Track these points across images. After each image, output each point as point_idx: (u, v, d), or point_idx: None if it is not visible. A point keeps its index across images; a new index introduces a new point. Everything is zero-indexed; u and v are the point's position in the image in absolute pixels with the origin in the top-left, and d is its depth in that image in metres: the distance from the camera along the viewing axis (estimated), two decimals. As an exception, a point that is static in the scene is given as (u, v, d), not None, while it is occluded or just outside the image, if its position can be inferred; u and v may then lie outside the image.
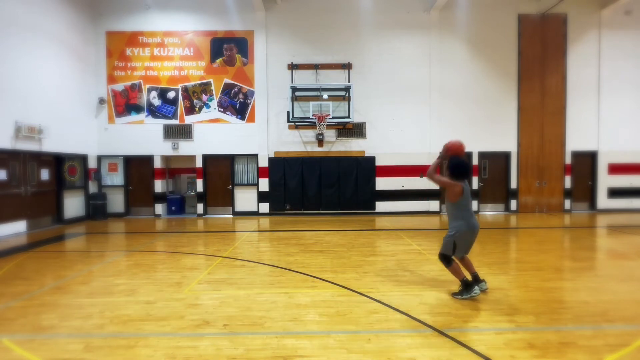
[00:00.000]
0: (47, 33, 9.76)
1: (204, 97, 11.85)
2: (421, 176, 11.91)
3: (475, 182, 12.05)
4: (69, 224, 10.40)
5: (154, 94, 11.82)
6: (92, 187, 11.66)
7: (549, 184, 12.16)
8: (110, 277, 5.18)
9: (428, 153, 11.84)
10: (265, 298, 4.26)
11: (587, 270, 5.43)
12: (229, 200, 12.09)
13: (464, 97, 11.93)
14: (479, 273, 4.39)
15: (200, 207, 11.95)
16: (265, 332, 3.37)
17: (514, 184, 12.16)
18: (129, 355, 3.00)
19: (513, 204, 12.19)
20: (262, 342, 3.18)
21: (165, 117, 11.86)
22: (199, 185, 11.95)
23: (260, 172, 11.89)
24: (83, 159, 11.33)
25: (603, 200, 12.21)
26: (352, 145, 11.96)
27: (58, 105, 10.18)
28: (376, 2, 11.81)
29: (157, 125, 11.85)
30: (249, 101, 11.86)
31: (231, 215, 11.95)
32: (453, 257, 4.24)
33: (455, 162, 4.23)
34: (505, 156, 12.20)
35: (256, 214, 11.94)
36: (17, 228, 8.95)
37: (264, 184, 11.88)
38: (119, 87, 11.80)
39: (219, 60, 11.83)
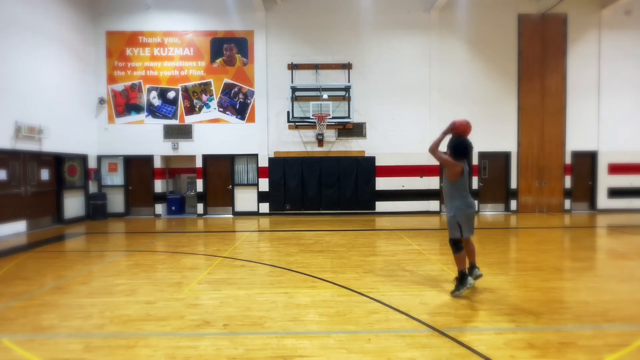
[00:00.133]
0: (47, 33, 9.76)
1: (204, 97, 11.85)
2: (421, 176, 11.92)
3: (475, 182, 12.05)
4: (69, 224, 10.40)
5: (154, 94, 11.82)
6: (92, 187, 11.67)
7: (549, 184, 12.16)
8: (110, 277, 5.18)
9: (428, 153, 11.76)
10: (265, 298, 4.26)
11: (587, 270, 5.43)
12: (229, 200, 12.09)
13: (464, 97, 11.93)
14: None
15: (200, 207, 11.95)
16: (265, 332, 3.37)
17: (514, 184, 12.17)
18: (129, 355, 3.00)
19: (513, 204, 12.19)
20: (262, 342, 3.18)
21: (165, 117, 11.86)
22: (199, 185, 11.95)
23: (260, 172, 11.89)
24: (83, 159, 11.33)
25: (603, 200, 12.21)
26: (352, 145, 11.96)
27: (58, 105, 10.18)
28: (376, 2, 11.81)
29: (157, 125, 11.85)
30: (249, 101, 11.86)
31: (231, 215, 11.95)
32: (462, 244, 4.26)
33: (456, 141, 4.30)
34: (505, 156, 12.20)
35: (256, 214, 11.94)
36: (17, 228, 8.95)
37: (264, 184, 11.88)
38: (119, 87, 11.80)
39: (219, 60, 11.83)
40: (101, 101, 11.69)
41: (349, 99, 11.32)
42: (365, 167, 11.84)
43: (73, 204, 10.90)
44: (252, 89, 11.84)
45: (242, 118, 11.89)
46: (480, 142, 11.91)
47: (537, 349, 3.01)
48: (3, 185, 8.57)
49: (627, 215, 11.33)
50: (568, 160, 12.12)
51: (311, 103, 11.11)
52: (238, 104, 11.87)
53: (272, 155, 11.89)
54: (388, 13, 11.84)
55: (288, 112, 11.28)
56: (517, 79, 12.02)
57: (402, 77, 11.88)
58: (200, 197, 11.96)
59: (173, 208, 12.11)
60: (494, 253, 6.47)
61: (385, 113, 11.90)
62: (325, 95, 11.44)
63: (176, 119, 11.86)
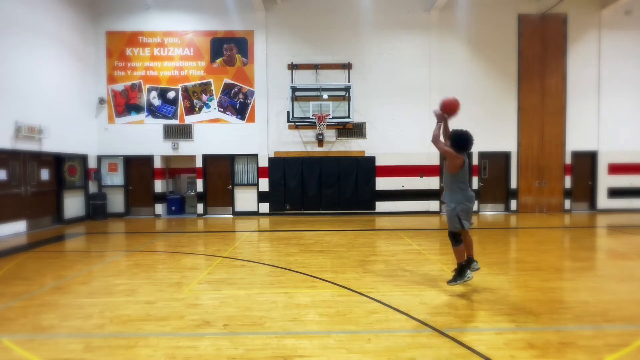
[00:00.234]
0: (47, 33, 9.76)
1: (204, 97, 11.85)
2: (421, 176, 11.92)
3: (475, 182, 12.05)
4: (69, 224, 10.40)
5: (154, 94, 11.82)
6: (92, 187, 11.66)
7: (549, 184, 12.16)
8: (110, 277, 5.18)
9: (428, 153, 11.83)
10: (265, 298, 4.26)
11: (587, 270, 5.43)
12: (229, 200, 12.09)
13: (463, 97, 11.73)
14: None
15: (200, 207, 11.95)
16: (265, 332, 3.37)
17: (514, 184, 12.17)
18: (129, 355, 3.00)
19: (513, 204, 12.19)
20: (262, 342, 3.18)
21: (165, 117, 11.86)
22: (199, 185, 11.95)
23: (260, 172, 11.89)
24: (83, 159, 11.33)
25: (603, 200, 12.21)
26: (352, 145, 11.96)
27: (58, 105, 10.18)
28: (376, 2, 11.81)
29: (157, 125, 11.85)
30: (249, 101, 11.86)
31: (231, 215, 11.95)
32: (462, 237, 4.31)
33: (457, 133, 4.34)
34: (505, 156, 12.20)
35: (256, 214, 11.94)
36: (17, 228, 8.95)
37: (264, 184, 11.88)
38: (119, 87, 11.80)
39: (219, 60, 11.83)
40: (101, 101, 11.69)
41: (349, 99, 11.32)
42: (365, 167, 11.84)
43: (73, 204, 10.90)
44: (252, 89, 11.84)
45: (242, 118, 11.89)
46: (480, 142, 11.87)
47: (537, 349, 3.01)
48: (3, 185, 8.57)
49: (627, 215, 11.33)
50: (568, 160, 12.12)
51: (311, 103, 11.11)
52: (238, 104, 11.87)
53: (272, 155, 11.88)
54: (388, 13, 11.84)
55: (288, 112, 11.28)
56: (517, 79, 12.02)
57: (402, 77, 11.87)
58: (200, 197, 11.96)
59: (173, 208, 12.11)
60: (494, 253, 6.48)
61: (385, 113, 11.90)
62: (325, 95, 11.44)
63: (176, 119, 11.86)
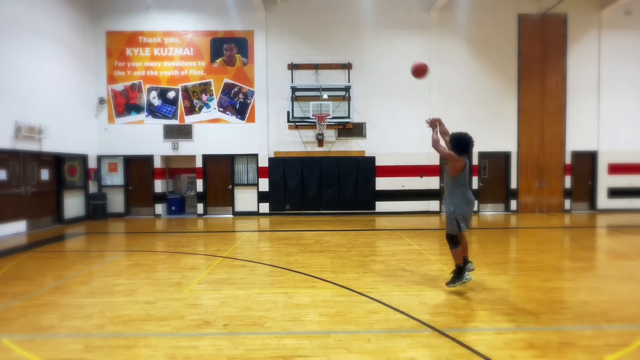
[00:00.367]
0: (47, 33, 9.76)
1: (204, 97, 11.85)
2: (421, 176, 11.92)
3: (475, 182, 12.05)
4: (69, 224, 10.40)
5: (154, 94, 11.82)
6: (92, 187, 11.66)
7: (549, 184, 12.16)
8: (110, 277, 5.18)
9: (428, 153, 11.82)
10: (265, 298, 4.26)
11: (587, 270, 5.43)
12: (229, 200, 12.09)
13: (464, 97, 11.93)
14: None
15: (200, 207, 11.95)
16: (265, 332, 3.37)
17: (514, 184, 12.17)
18: (129, 355, 3.00)
19: (513, 204, 12.19)
20: (262, 342, 3.18)
21: (165, 117, 11.86)
22: (199, 185, 11.95)
23: (260, 172, 11.89)
24: (83, 159, 11.33)
25: (603, 200, 12.21)
26: (352, 145, 11.96)
27: (58, 105, 10.18)
28: (376, 2, 11.81)
29: (157, 125, 11.85)
30: (249, 101, 11.86)
31: (231, 215, 11.95)
32: (459, 241, 4.33)
33: (457, 136, 4.38)
34: (505, 156, 12.20)
35: (256, 214, 11.94)
36: (17, 228, 8.95)
37: (264, 184, 11.88)
38: (119, 87, 11.80)
39: (219, 60, 11.83)
40: (101, 101, 11.69)
41: (349, 99, 11.32)
42: (365, 167, 11.84)
43: (73, 204, 10.90)
44: (252, 89, 11.84)
45: (242, 118, 11.90)
46: (480, 142, 11.88)
47: (537, 349, 3.01)
48: (3, 185, 8.57)
49: (627, 215, 11.33)
50: (568, 160, 12.12)
51: (311, 103, 11.11)
52: (238, 104, 11.87)
53: (272, 155, 11.88)
54: (388, 13, 11.84)
55: (288, 112, 11.28)
56: (517, 79, 12.02)
57: (402, 77, 11.81)
58: (200, 197, 11.96)
59: (173, 208, 12.11)
60: (494, 253, 6.48)
61: (385, 113, 11.90)
62: (325, 95, 11.44)
63: (176, 119, 11.86)
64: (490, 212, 12.29)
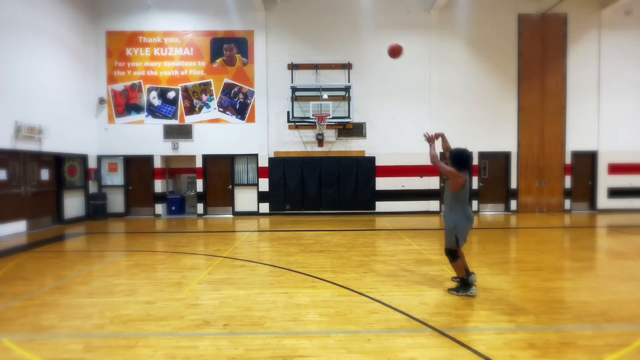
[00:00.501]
0: (47, 33, 9.76)
1: (204, 97, 11.85)
2: (421, 176, 11.92)
3: (475, 182, 12.05)
4: (69, 224, 10.40)
5: (154, 94, 11.82)
6: (92, 187, 11.67)
7: (549, 184, 12.16)
8: (110, 277, 5.18)
9: (428, 153, 11.80)
10: (265, 298, 4.26)
11: (587, 270, 5.43)
12: (229, 200, 12.09)
13: (464, 97, 11.93)
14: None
15: (200, 207, 11.95)
16: (265, 332, 3.37)
17: (514, 184, 12.16)
18: (129, 355, 3.00)
19: (513, 204, 12.19)
20: (262, 342, 3.18)
21: (165, 117, 11.86)
22: (199, 185, 11.95)
23: (260, 172, 11.89)
24: (83, 159, 11.33)
25: (603, 200, 12.21)
26: (352, 145, 11.96)
27: (58, 105, 10.18)
28: (376, 2, 11.81)
29: (157, 125, 11.85)
30: (249, 101, 11.86)
31: (231, 215, 11.95)
32: (458, 254, 4.30)
33: (457, 152, 4.35)
34: (505, 156, 12.20)
35: (256, 214, 11.94)
36: (17, 228, 8.95)
37: (264, 184, 11.88)
38: (119, 87, 11.80)
39: (219, 60, 11.83)
40: (101, 101, 11.70)
41: (349, 99, 11.32)
42: (365, 167, 11.84)
43: (73, 204, 10.90)
44: (252, 89, 11.84)
45: (242, 118, 11.90)
46: (480, 142, 11.94)
47: (537, 349, 3.01)
48: (3, 185, 8.57)
49: (627, 215, 11.33)
50: (568, 160, 12.12)
51: (311, 103, 11.11)
52: (238, 104, 11.87)
53: (272, 155, 11.89)
54: (388, 13, 11.84)
55: (288, 112, 11.28)
56: (517, 79, 12.02)
57: (402, 77, 11.87)
58: (200, 197, 11.96)
59: (173, 208, 12.12)
60: (494, 253, 6.48)
61: (385, 113, 11.91)
62: (325, 95, 11.44)
63: (176, 119, 11.86)
64: (490, 212, 12.30)
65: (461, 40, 11.93)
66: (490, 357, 2.88)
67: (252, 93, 11.84)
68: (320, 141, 11.79)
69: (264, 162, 11.85)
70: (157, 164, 11.88)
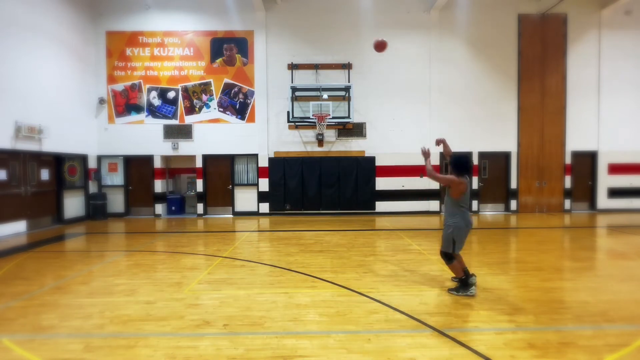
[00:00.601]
0: (47, 33, 9.76)
1: (204, 97, 11.85)
2: (421, 176, 11.92)
3: (475, 182, 12.05)
4: (69, 224, 10.40)
5: (154, 94, 11.82)
6: (92, 187, 11.66)
7: (549, 184, 12.16)
8: (110, 277, 5.18)
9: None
10: (265, 298, 4.26)
11: (587, 270, 5.43)
12: (229, 200, 12.09)
13: (464, 97, 11.93)
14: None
15: (200, 207, 11.95)
16: (265, 332, 3.37)
17: (514, 184, 12.17)
18: (129, 355, 3.00)
19: (513, 204, 12.19)
20: (262, 342, 3.18)
21: (165, 117, 11.86)
22: (199, 185, 11.95)
23: (260, 172, 11.89)
24: (83, 159, 11.33)
25: (603, 200, 12.21)
26: (352, 145, 11.97)
27: (58, 105, 10.18)
28: (376, 2, 11.81)
29: (157, 125, 11.85)
30: (249, 101, 11.86)
31: (231, 215, 11.95)
32: (454, 255, 4.31)
33: (457, 157, 4.37)
34: (505, 156, 12.20)
35: (256, 214, 11.94)
36: (17, 228, 8.95)
37: (264, 184, 11.88)
38: (119, 87, 11.80)
39: (219, 60, 11.83)
40: (101, 101, 11.70)
41: (349, 99, 11.32)
42: (365, 167, 11.84)
43: (73, 204, 10.90)
44: (252, 89, 11.84)
45: (242, 118, 11.90)
46: (480, 142, 11.94)
47: (537, 349, 3.01)
48: (3, 185, 8.57)
49: (627, 215, 11.33)
50: (568, 160, 12.12)
51: (311, 103, 11.11)
52: (238, 104, 11.87)
53: (272, 155, 11.89)
54: (388, 13, 11.84)
55: (288, 112, 11.28)
56: (517, 79, 12.02)
57: (402, 77, 11.88)
58: (200, 197, 11.96)
59: (173, 208, 12.12)
60: (494, 253, 6.48)
61: (385, 113, 11.91)
62: (325, 95, 11.44)
63: (176, 119, 11.86)
64: (490, 212, 12.30)
65: (461, 40, 11.93)
66: (490, 357, 2.88)
67: (252, 93, 11.84)
68: (320, 141, 11.79)
69: (264, 162, 11.85)
70: (157, 164, 11.88)
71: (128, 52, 11.76)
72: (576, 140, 12.10)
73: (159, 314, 3.82)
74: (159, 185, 11.94)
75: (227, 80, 11.84)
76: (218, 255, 6.45)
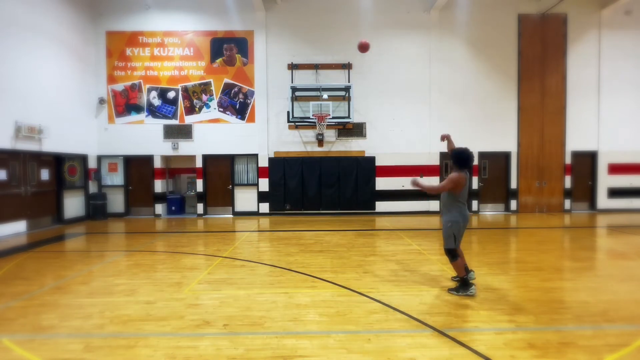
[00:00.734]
0: (47, 33, 9.76)
1: (204, 97, 11.85)
2: (421, 176, 11.91)
3: (475, 182, 12.05)
4: (69, 224, 10.40)
5: (154, 94, 11.82)
6: (92, 187, 11.66)
7: (549, 184, 12.16)
8: (110, 277, 5.18)
9: (428, 153, 11.84)
10: (265, 298, 4.26)
11: (587, 270, 5.43)
12: (229, 200, 12.09)
13: (464, 97, 11.93)
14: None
15: (200, 207, 11.95)
16: (265, 332, 3.37)
17: (514, 184, 12.16)
18: (129, 355, 3.00)
19: (513, 204, 12.19)
20: (262, 342, 3.18)
21: (165, 117, 11.86)
22: (199, 185, 11.95)
23: (260, 172, 11.89)
24: (83, 159, 11.33)
25: (603, 200, 12.21)
26: (352, 145, 11.96)
27: (58, 105, 10.18)
28: (376, 2, 11.81)
29: (157, 125, 11.85)
30: (249, 101, 11.86)
31: (231, 215, 11.95)
32: (458, 253, 4.34)
33: (458, 151, 4.40)
34: (505, 156, 12.20)
35: (256, 214, 11.94)
36: (17, 228, 8.95)
37: (264, 184, 11.88)
38: (119, 87, 11.80)
39: (219, 60, 11.83)
40: (101, 101, 11.70)
41: (349, 99, 11.32)
42: (365, 167, 11.84)
43: (73, 204, 10.90)
44: (252, 89, 11.84)
45: (242, 118, 11.90)
46: (480, 142, 11.93)
47: (537, 349, 3.01)
48: (3, 185, 8.57)
49: (627, 215, 11.33)
50: (568, 160, 12.12)
51: (311, 103, 11.11)
52: (238, 104, 11.87)
53: (272, 155, 11.88)
54: (388, 13, 11.84)
55: (288, 112, 11.28)
56: (517, 79, 12.02)
57: (402, 77, 11.87)
58: (200, 197, 11.96)
59: (173, 208, 12.12)
60: (494, 253, 6.48)
61: (385, 113, 11.91)
62: (325, 95, 11.44)
63: (176, 119, 11.86)
64: (490, 212, 12.29)
65: (461, 40, 11.93)
66: (490, 357, 2.88)
67: (252, 93, 11.84)
68: (320, 141, 11.79)
69: (264, 162, 11.85)
70: (157, 164, 11.88)
71: (128, 52, 11.76)
72: (576, 140, 12.09)
73: (159, 314, 3.82)
74: (159, 185, 11.94)
75: (227, 80, 11.83)
76: (218, 255, 6.45)
